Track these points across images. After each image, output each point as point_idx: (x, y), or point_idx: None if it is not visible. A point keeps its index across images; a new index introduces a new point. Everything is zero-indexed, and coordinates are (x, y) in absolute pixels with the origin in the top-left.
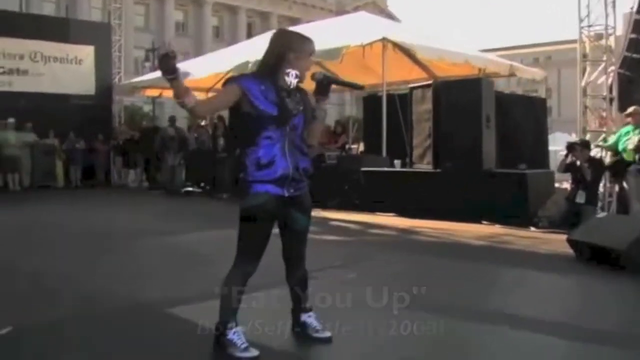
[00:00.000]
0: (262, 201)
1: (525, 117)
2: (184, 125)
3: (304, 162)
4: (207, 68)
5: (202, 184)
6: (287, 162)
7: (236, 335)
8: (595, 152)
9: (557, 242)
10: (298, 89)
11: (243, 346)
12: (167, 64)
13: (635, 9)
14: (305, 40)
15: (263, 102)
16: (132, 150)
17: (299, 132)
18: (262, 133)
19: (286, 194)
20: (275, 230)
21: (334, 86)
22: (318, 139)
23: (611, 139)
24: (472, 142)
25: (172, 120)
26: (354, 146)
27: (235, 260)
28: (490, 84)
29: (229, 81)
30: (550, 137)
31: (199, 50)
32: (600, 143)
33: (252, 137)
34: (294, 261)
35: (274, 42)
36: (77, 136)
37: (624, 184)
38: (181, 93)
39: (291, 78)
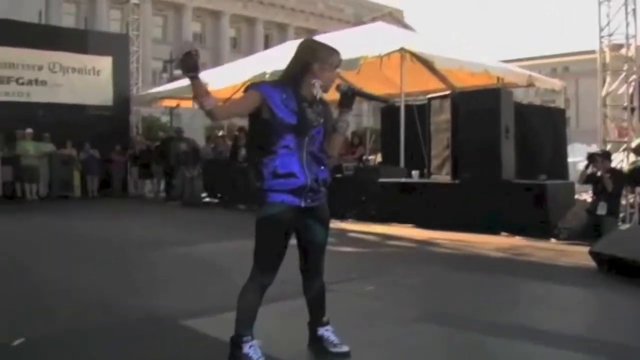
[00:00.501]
0: (278, 211)
1: (544, 127)
2: (201, 135)
3: (323, 173)
4: (225, 78)
5: (219, 195)
6: (305, 172)
7: (252, 349)
8: (616, 163)
9: (578, 254)
10: (320, 100)
11: None
12: (188, 62)
13: None
14: (332, 52)
15: (283, 110)
16: (149, 160)
17: (318, 143)
18: (281, 142)
19: (303, 205)
20: (293, 242)
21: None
22: (338, 150)
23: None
24: (491, 152)
25: (179, 132)
26: (372, 157)
27: (252, 272)
28: (509, 94)
29: (249, 87)
30: (569, 148)
31: (216, 62)
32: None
33: (270, 145)
34: (311, 273)
35: (300, 51)
36: (93, 146)
37: None
38: (201, 93)
39: (316, 88)
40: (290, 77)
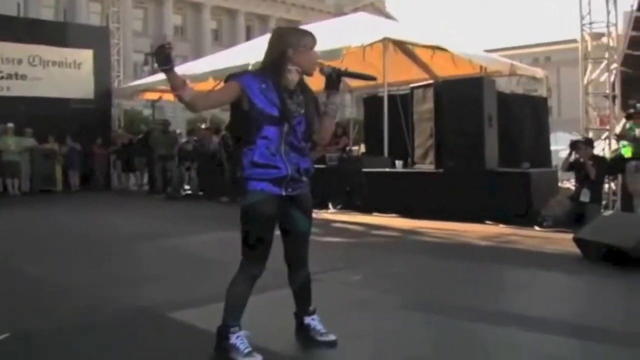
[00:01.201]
0: (260, 199)
1: (526, 116)
2: (183, 128)
3: (305, 162)
4: (206, 69)
5: (202, 188)
6: (284, 162)
7: (239, 339)
8: (598, 151)
9: (562, 241)
10: (302, 89)
11: (246, 351)
12: (161, 55)
13: (635, 7)
14: (303, 34)
15: (262, 100)
16: (132, 154)
17: (299, 133)
18: (260, 132)
19: (284, 193)
20: (277, 233)
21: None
22: (330, 134)
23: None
24: (474, 141)
25: (166, 124)
26: (355, 148)
27: (241, 263)
28: (492, 83)
29: (230, 78)
30: (552, 136)
31: (198, 54)
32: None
33: (250, 135)
34: (296, 263)
35: (272, 41)
36: (75, 140)
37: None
38: (178, 85)
39: (292, 74)
40: (268, 68)
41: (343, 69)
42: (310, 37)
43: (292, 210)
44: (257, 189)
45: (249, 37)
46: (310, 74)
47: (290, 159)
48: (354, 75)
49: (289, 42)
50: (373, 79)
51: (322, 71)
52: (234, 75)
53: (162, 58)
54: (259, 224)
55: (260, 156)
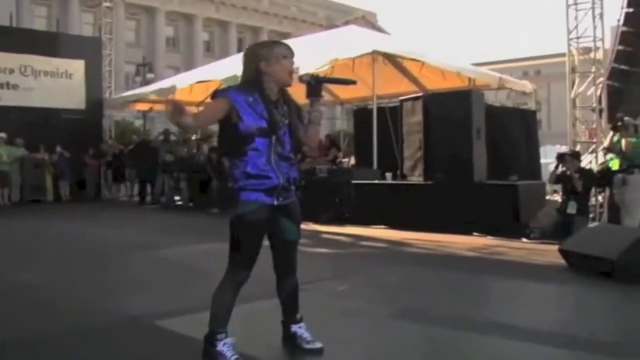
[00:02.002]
0: (253, 209)
1: (516, 129)
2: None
3: (294, 172)
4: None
5: (192, 199)
6: (275, 172)
7: (226, 346)
8: (585, 164)
9: (549, 252)
10: (284, 100)
11: (233, 358)
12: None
13: (622, 22)
14: (272, 45)
15: (251, 114)
16: (122, 164)
17: (286, 143)
18: (250, 144)
19: (275, 203)
20: (266, 242)
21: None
22: (317, 141)
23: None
24: (463, 154)
25: (167, 134)
26: (345, 160)
27: (227, 269)
28: (480, 96)
29: (216, 94)
30: (541, 150)
31: (189, 66)
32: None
33: (240, 148)
34: (284, 272)
35: (245, 57)
36: (65, 148)
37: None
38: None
39: (270, 87)
40: (249, 84)
41: (322, 75)
42: (281, 48)
43: (282, 219)
44: (250, 199)
45: (240, 49)
46: (287, 84)
47: (281, 168)
48: (333, 80)
49: (260, 56)
50: (352, 82)
51: (301, 79)
52: (219, 92)
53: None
54: (250, 232)
55: (253, 167)
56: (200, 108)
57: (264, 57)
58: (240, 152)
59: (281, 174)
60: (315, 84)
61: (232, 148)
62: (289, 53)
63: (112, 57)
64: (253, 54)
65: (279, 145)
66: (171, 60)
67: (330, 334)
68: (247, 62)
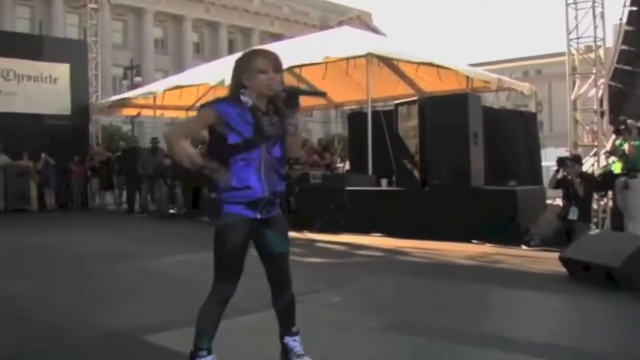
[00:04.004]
0: (233, 220)
1: (516, 132)
2: (163, 144)
3: (281, 185)
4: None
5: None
6: (262, 184)
7: None
8: (587, 167)
9: (549, 260)
10: (275, 111)
11: None
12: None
13: (624, 20)
14: (252, 57)
15: (240, 124)
16: (110, 171)
17: (275, 155)
18: (237, 155)
19: (258, 216)
20: (256, 254)
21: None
22: (298, 151)
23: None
24: (459, 159)
25: (155, 142)
26: (340, 165)
27: (213, 283)
28: (477, 99)
29: (204, 106)
30: (542, 152)
31: (179, 68)
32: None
33: (227, 159)
34: (279, 286)
35: (232, 71)
36: (50, 155)
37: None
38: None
39: (245, 98)
40: (235, 94)
41: (296, 86)
42: (261, 59)
43: (268, 232)
44: (232, 211)
45: (231, 51)
46: (269, 96)
47: (269, 180)
48: (304, 92)
49: (241, 69)
50: (322, 94)
51: (272, 91)
52: (207, 103)
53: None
54: (231, 245)
55: (237, 179)
56: (190, 113)
57: (245, 69)
58: (226, 163)
59: (268, 186)
60: (287, 97)
61: (219, 157)
62: (269, 66)
63: (99, 60)
64: (236, 68)
65: (267, 156)
66: (160, 63)
67: (323, 348)
68: (233, 75)
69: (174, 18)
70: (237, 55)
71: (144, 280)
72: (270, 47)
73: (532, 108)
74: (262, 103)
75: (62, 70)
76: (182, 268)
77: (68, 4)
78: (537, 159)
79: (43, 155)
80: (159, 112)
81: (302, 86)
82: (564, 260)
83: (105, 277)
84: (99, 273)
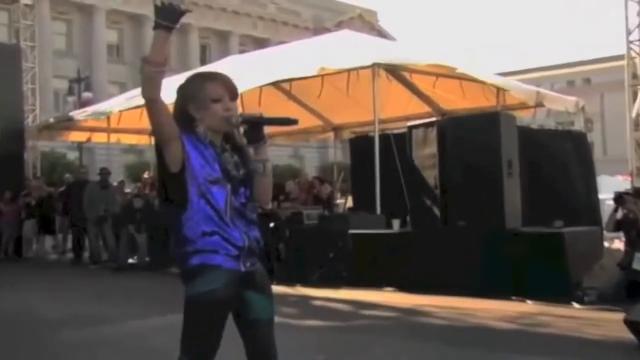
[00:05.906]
0: (217, 285)
1: (563, 158)
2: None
3: (254, 231)
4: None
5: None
6: (236, 230)
7: None
8: None
9: (609, 323)
10: (233, 148)
11: None
12: (175, 12)
13: None
14: (201, 82)
15: (200, 156)
16: (51, 211)
17: (242, 198)
18: (202, 194)
19: (242, 269)
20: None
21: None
22: (269, 197)
23: None
24: (490, 194)
25: (105, 173)
26: (341, 201)
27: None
28: (511, 119)
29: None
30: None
31: (138, 81)
32: None
33: (190, 196)
34: None
35: (176, 99)
36: None
37: None
38: (161, 55)
39: (201, 134)
40: (186, 128)
41: (258, 114)
42: (211, 86)
43: (248, 292)
44: (212, 264)
45: (204, 59)
46: (224, 131)
47: (240, 225)
48: (271, 121)
49: (187, 96)
50: (294, 123)
51: (230, 123)
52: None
53: (174, 16)
54: (212, 319)
55: (207, 222)
56: (154, 139)
57: (192, 97)
58: (189, 201)
59: (243, 231)
60: (251, 127)
61: (177, 199)
62: (224, 93)
63: (36, 70)
64: (181, 93)
65: (234, 198)
66: (115, 74)
67: None
68: (175, 105)
69: (132, 18)
70: (222, 62)
71: (109, 350)
72: (253, 55)
73: (579, 126)
74: (217, 139)
75: None
76: (153, 333)
77: None
78: (592, 192)
79: None
80: (113, 137)
81: (291, 106)
82: (631, 324)
83: (63, 347)
84: (54, 342)
